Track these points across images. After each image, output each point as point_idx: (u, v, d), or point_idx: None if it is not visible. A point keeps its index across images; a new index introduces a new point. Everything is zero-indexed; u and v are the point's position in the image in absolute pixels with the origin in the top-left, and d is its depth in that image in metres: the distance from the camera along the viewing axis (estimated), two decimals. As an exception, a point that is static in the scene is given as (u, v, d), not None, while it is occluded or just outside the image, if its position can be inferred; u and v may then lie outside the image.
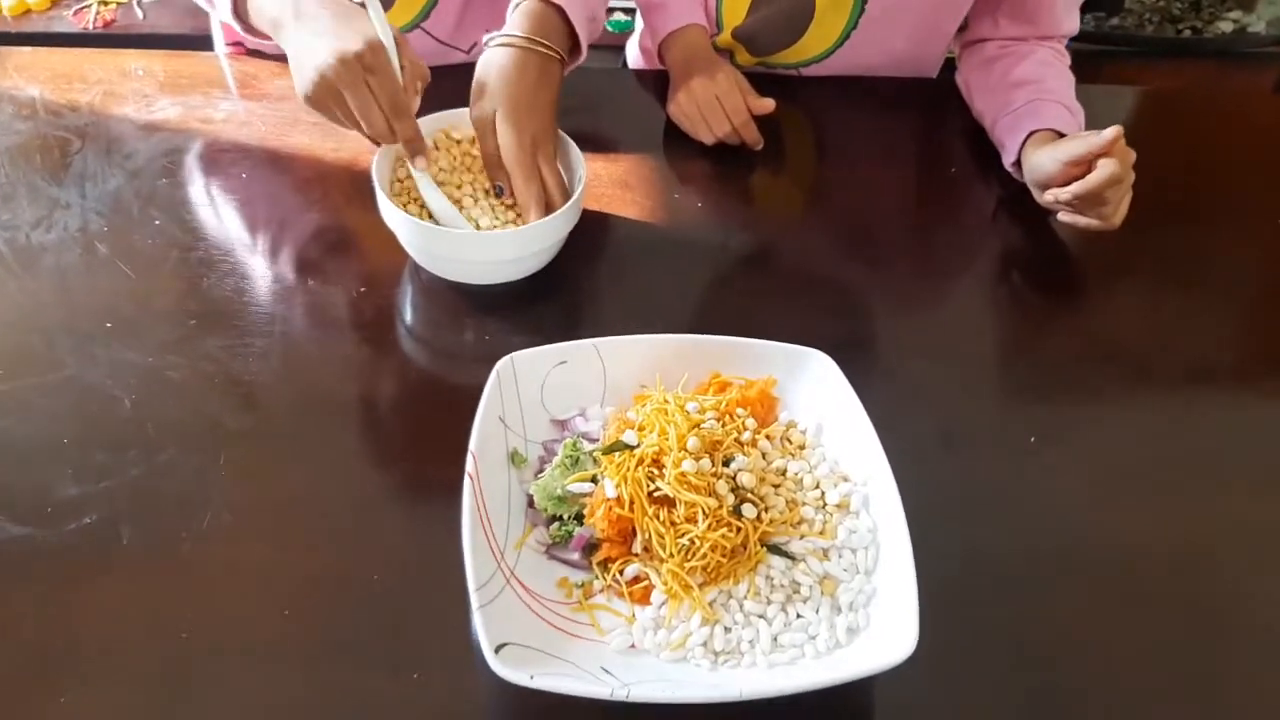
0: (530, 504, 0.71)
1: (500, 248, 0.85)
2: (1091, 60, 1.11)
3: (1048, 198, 0.93)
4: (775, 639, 0.65)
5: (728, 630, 0.65)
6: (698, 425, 0.71)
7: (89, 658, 0.65)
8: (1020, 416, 0.84)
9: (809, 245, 0.99)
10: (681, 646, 0.65)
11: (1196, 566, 0.74)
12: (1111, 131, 0.88)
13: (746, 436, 0.73)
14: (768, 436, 0.74)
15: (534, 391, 0.75)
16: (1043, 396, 0.86)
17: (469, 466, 0.68)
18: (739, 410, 0.74)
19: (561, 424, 0.76)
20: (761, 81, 1.09)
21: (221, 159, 1.01)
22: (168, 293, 0.88)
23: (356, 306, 0.88)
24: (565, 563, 0.70)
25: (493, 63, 0.88)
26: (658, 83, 1.15)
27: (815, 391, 0.76)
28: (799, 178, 1.08)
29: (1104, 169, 0.88)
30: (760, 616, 0.66)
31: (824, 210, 1.04)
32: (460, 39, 1.13)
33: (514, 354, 0.75)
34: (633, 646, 0.65)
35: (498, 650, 0.60)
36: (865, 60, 1.15)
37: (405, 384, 0.83)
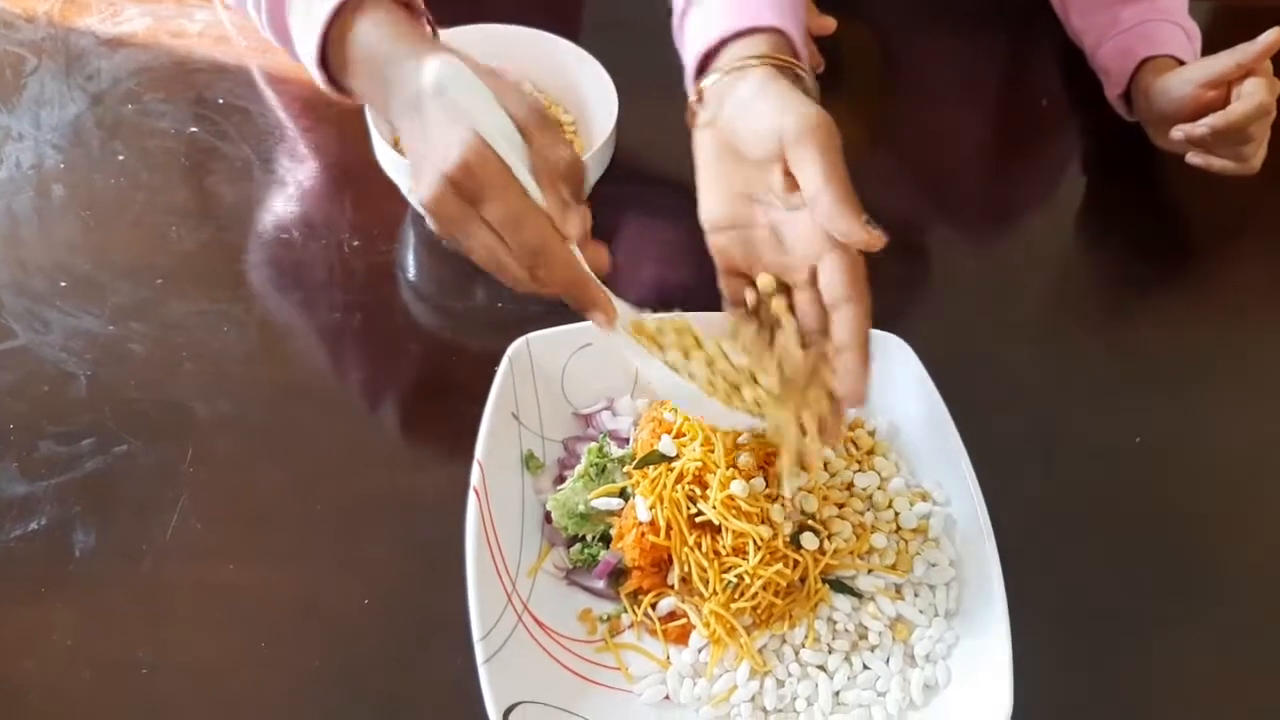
0: (548, 519, 0.61)
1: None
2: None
3: (1176, 134, 0.79)
4: (837, 696, 0.55)
5: (781, 684, 0.55)
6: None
7: (32, 698, 0.56)
8: (1124, 410, 0.72)
9: (874, 195, 0.84)
10: (725, 701, 0.55)
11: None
12: (1270, 35, 0.73)
13: None
14: None
15: (553, 381, 0.64)
16: (1151, 386, 0.74)
17: (474, 479, 0.57)
18: None
19: (585, 419, 0.65)
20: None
21: (196, 81, 0.88)
22: (131, 245, 0.76)
23: (348, 264, 0.76)
24: (588, 591, 0.59)
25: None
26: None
27: (887, 384, 0.64)
28: (863, 111, 0.93)
29: (1251, 96, 0.74)
30: (820, 668, 0.56)
31: (892, 151, 0.90)
32: None
33: (529, 336, 0.63)
34: (667, 698, 0.55)
35: (507, 714, 0.50)
36: None
37: (404, 360, 0.72)
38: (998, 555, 0.56)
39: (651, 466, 0.58)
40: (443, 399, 0.69)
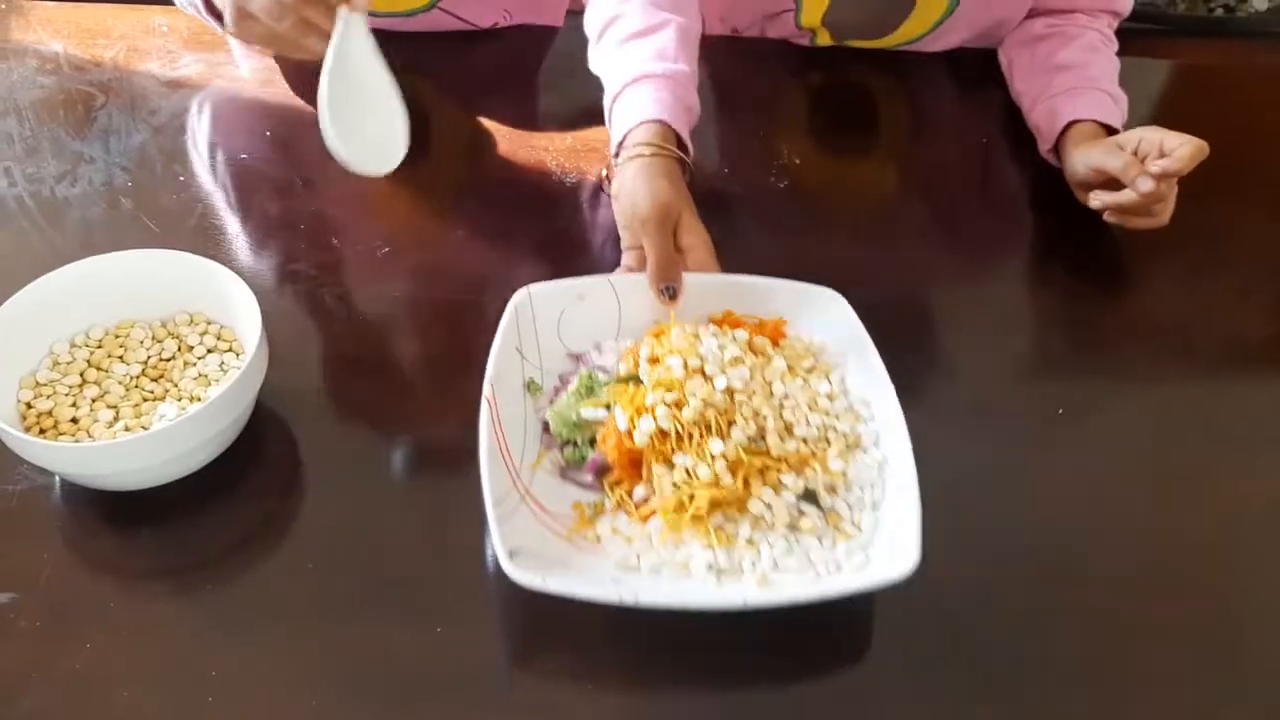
0: (545, 429, 0.72)
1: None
2: (1117, 36, 1.09)
3: (1094, 203, 0.90)
4: (776, 563, 0.65)
5: (730, 552, 0.65)
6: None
7: (111, 609, 0.65)
8: (1050, 389, 0.82)
9: (838, 218, 0.98)
10: (685, 568, 0.65)
11: (1225, 547, 0.73)
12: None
13: (781, 365, 0.73)
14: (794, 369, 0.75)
15: (550, 325, 0.76)
16: (1074, 370, 0.85)
17: (486, 390, 0.68)
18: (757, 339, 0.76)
19: (577, 357, 0.77)
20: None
21: (245, 117, 1.01)
22: (193, 247, 0.86)
23: (380, 265, 0.88)
24: (579, 485, 0.70)
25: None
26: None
27: (827, 330, 0.77)
28: (844, 145, 1.06)
29: (1143, 185, 0.84)
30: (765, 542, 0.66)
31: (856, 182, 1.02)
32: (479, 17, 1.11)
33: (530, 286, 0.75)
34: (639, 563, 0.66)
35: (512, 555, 0.60)
36: (946, 40, 1.12)
37: (426, 337, 0.83)
38: (913, 456, 0.67)
39: (630, 385, 0.70)
40: (458, 365, 0.78)
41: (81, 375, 0.73)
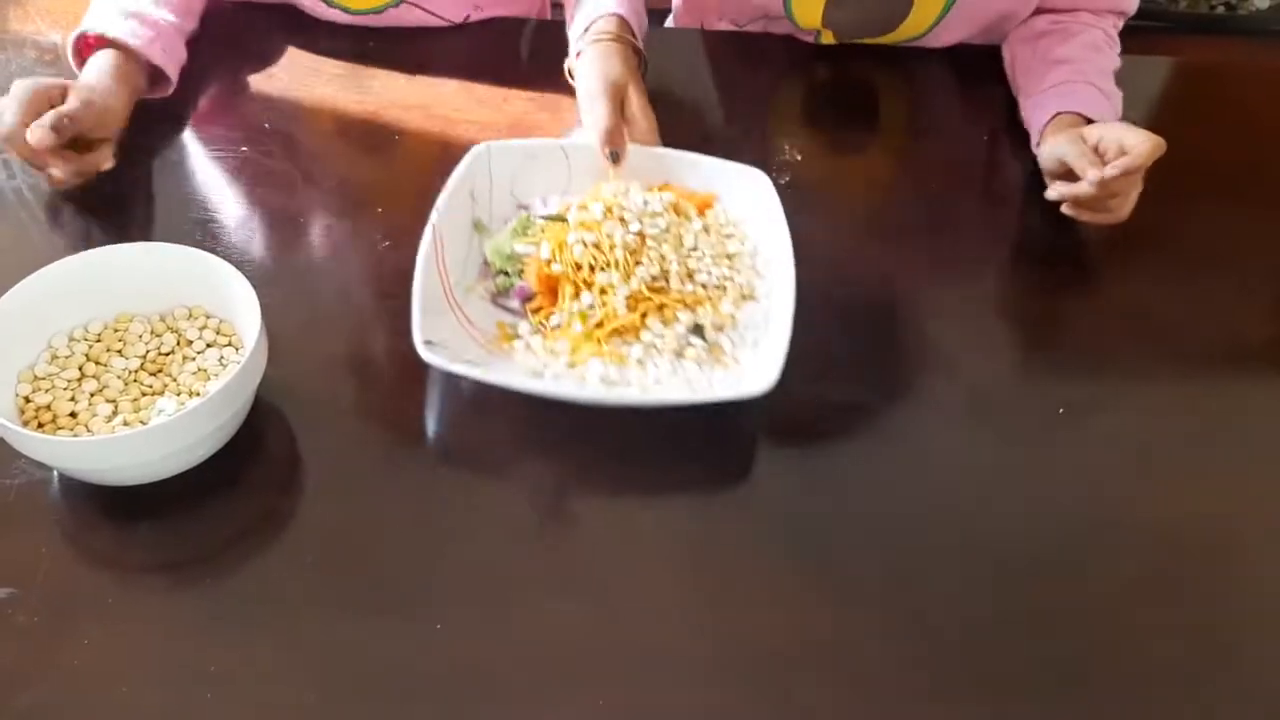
0: (485, 264, 0.81)
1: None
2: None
3: (1051, 194, 0.90)
4: (659, 381, 0.74)
5: (621, 370, 0.74)
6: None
7: (110, 604, 0.64)
8: (1050, 389, 0.82)
9: (839, 214, 0.97)
10: (583, 379, 0.73)
11: (1225, 547, 0.73)
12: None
13: (697, 226, 0.82)
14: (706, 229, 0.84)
15: (504, 177, 0.84)
16: (1074, 370, 0.84)
17: (433, 218, 0.76)
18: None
19: (524, 207, 0.85)
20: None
21: (246, 110, 1.00)
22: (190, 243, 0.85)
23: (380, 258, 0.87)
24: (506, 310, 0.79)
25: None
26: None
27: (751, 204, 0.84)
28: (845, 138, 1.06)
29: (1092, 175, 0.84)
30: (652, 364, 0.74)
31: (856, 178, 1.02)
32: (447, 10, 1.10)
33: (489, 142, 0.83)
34: (545, 372, 0.74)
35: (429, 345, 0.69)
36: (949, 36, 1.12)
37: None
38: (793, 310, 0.73)
39: (556, 223, 0.80)
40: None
41: (80, 369, 0.72)
